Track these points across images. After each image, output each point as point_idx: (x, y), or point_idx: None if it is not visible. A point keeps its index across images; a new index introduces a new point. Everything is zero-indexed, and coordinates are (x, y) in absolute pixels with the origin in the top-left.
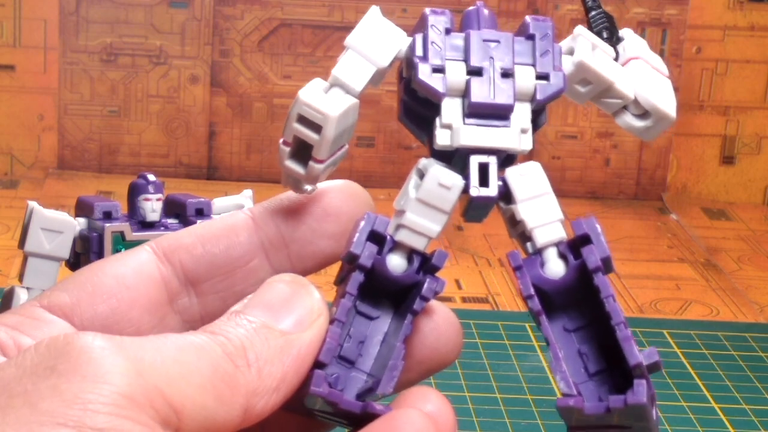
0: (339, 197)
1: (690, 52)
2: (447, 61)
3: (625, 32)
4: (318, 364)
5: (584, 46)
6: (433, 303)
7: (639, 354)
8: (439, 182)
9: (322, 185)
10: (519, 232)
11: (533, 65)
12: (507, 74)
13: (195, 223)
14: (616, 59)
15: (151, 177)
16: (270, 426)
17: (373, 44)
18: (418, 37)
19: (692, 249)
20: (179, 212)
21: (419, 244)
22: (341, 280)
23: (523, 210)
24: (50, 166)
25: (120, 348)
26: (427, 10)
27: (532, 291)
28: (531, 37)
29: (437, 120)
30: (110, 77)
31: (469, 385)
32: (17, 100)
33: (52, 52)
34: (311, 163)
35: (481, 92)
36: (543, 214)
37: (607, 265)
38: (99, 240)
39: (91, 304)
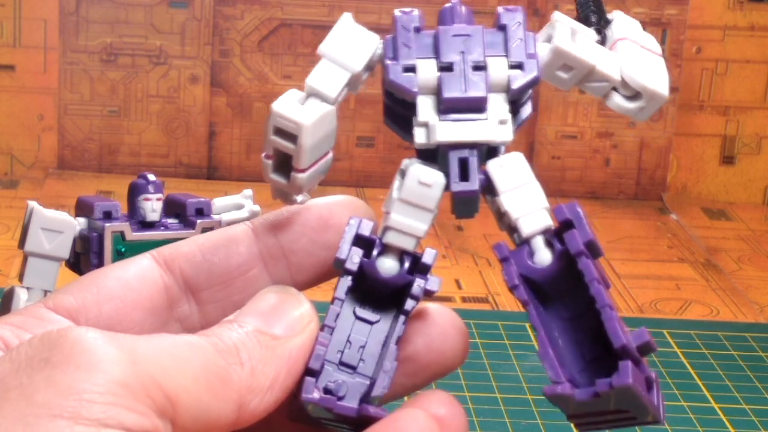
0: (340, 210)
1: (690, 52)
2: (417, 59)
3: (615, 14)
4: (308, 371)
5: (562, 32)
6: (439, 307)
7: (624, 336)
8: (420, 180)
9: (323, 199)
10: (506, 224)
11: (506, 55)
12: (479, 67)
13: (195, 223)
14: (603, 43)
15: (151, 177)
16: None
17: (346, 50)
18: (389, 39)
19: (692, 249)
20: (179, 212)
21: (407, 244)
22: None
23: (506, 201)
24: (50, 166)
25: (113, 339)
26: (397, 11)
27: (516, 281)
28: (503, 28)
29: (414, 119)
30: (110, 77)
31: (469, 385)
32: (17, 100)
33: (52, 52)
34: (293, 173)
35: (452, 87)
36: (527, 203)
37: (592, 249)
38: (99, 240)
39: (96, 305)
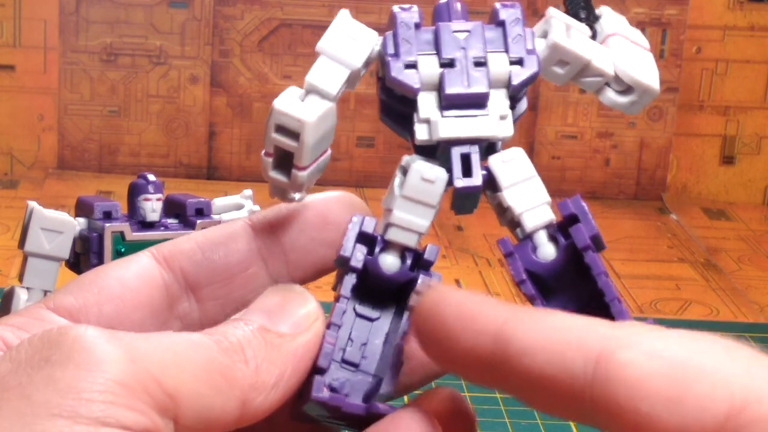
0: (337, 207)
1: (690, 52)
2: (419, 56)
3: (603, 10)
4: (317, 370)
5: (557, 28)
6: None
7: None
8: (423, 177)
9: (320, 195)
10: (508, 219)
11: (506, 51)
12: (480, 63)
13: (195, 223)
14: (593, 38)
15: (151, 177)
16: None
17: (344, 47)
18: (389, 35)
19: (692, 249)
20: (179, 212)
21: (409, 240)
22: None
23: (509, 196)
24: (50, 166)
25: (112, 337)
26: (396, 8)
27: (524, 276)
28: (501, 24)
29: (415, 116)
30: (110, 77)
31: (469, 385)
32: (17, 100)
33: (52, 52)
34: (294, 171)
35: (455, 83)
36: (529, 198)
37: (597, 243)
38: (99, 240)
39: (97, 305)
